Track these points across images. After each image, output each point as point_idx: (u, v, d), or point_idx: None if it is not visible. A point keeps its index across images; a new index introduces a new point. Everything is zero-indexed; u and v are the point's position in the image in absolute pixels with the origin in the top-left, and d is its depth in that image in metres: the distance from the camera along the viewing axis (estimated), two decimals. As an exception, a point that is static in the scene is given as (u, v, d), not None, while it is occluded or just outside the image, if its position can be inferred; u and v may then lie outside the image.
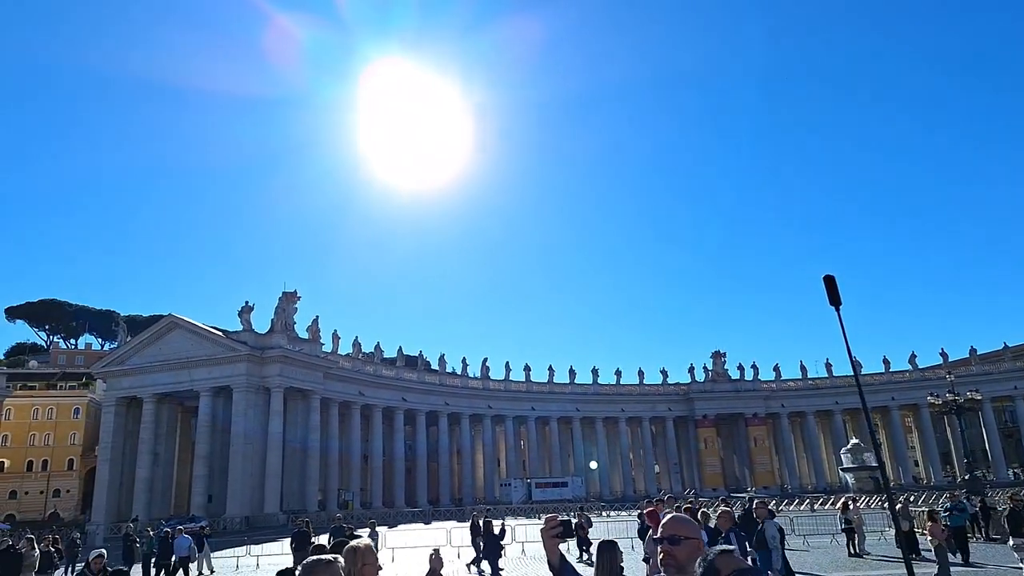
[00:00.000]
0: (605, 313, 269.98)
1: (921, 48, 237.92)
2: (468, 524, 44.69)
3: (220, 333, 69.23)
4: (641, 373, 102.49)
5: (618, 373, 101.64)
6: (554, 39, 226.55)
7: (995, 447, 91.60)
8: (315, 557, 3.66)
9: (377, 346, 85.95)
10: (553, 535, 4.12)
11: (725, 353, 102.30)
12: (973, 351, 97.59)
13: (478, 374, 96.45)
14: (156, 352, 69.77)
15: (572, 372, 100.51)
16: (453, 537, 34.67)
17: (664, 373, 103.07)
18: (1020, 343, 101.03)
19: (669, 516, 3.70)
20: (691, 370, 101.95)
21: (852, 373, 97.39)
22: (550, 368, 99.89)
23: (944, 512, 24.08)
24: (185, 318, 70.91)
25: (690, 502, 27.20)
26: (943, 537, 18.90)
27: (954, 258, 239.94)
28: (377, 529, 29.30)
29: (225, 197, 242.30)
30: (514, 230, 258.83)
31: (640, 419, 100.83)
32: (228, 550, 35.12)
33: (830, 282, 8.58)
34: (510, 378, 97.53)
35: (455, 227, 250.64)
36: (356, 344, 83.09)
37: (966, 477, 49.05)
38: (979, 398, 50.90)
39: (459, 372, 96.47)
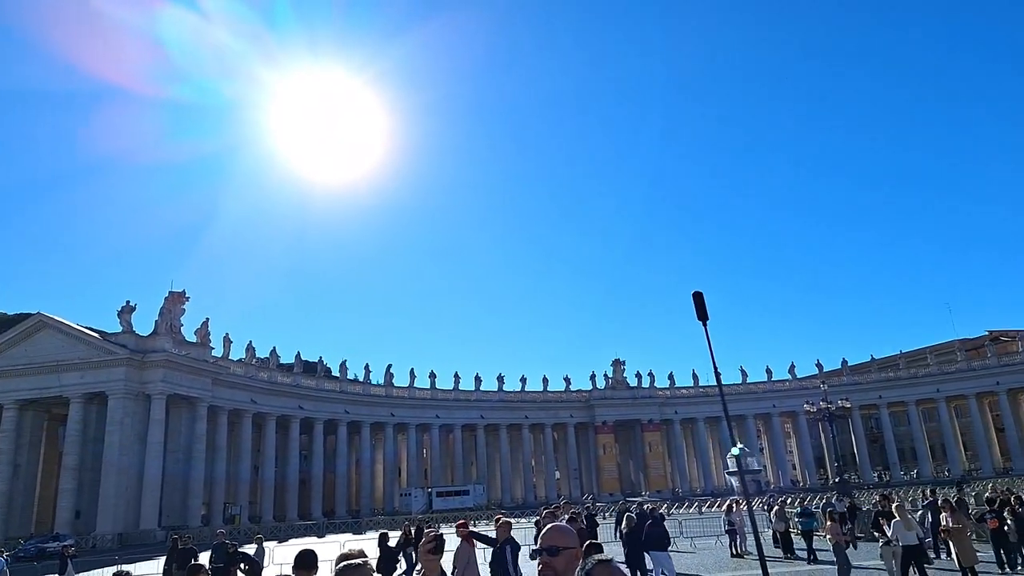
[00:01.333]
0: (513, 320, 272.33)
1: (766, 50, 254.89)
2: (365, 537, 43.92)
3: (96, 335, 64.36)
4: (545, 380, 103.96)
5: (523, 380, 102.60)
6: (477, 42, 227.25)
7: (862, 451, 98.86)
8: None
9: (273, 351, 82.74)
10: (428, 550, 4.01)
11: (625, 361, 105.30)
12: (845, 363, 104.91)
13: (381, 381, 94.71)
14: (21, 354, 64.08)
15: (478, 379, 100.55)
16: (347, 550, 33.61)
17: (567, 380, 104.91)
18: (885, 355, 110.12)
19: (548, 527, 3.70)
20: (592, 378, 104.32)
21: (741, 381, 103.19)
22: (456, 375, 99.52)
23: (798, 517, 25.42)
24: (56, 317, 65.51)
25: (574, 510, 27.66)
26: (840, 537, 19.97)
27: (829, 278, 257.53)
28: (265, 544, 27.98)
29: (112, 195, 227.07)
30: (423, 235, 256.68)
31: (543, 426, 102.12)
32: (96, 570, 32.61)
33: (698, 298, 9.01)
34: (415, 385, 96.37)
35: (364, 231, 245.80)
36: (250, 348, 79.61)
37: (836, 480, 52.51)
38: (848, 406, 54.77)
39: (361, 379, 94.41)
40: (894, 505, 20.41)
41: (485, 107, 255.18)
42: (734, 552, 28.44)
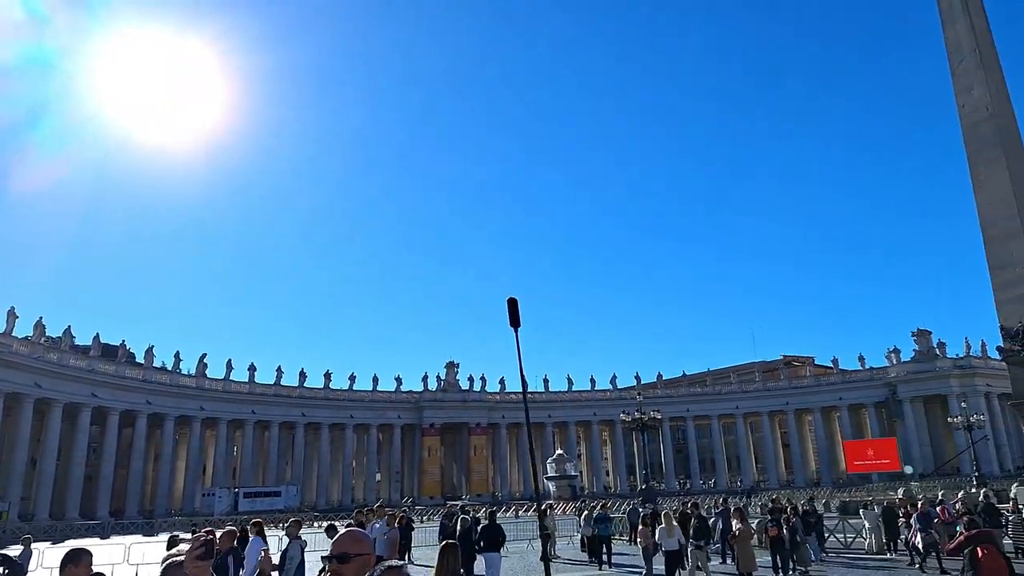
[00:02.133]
0: (349, 314, 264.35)
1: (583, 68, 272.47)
2: (155, 539, 39.75)
3: None
4: (375, 380, 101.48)
5: (352, 378, 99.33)
6: (319, 6, 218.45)
7: (668, 460, 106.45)
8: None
9: (67, 331, 73.58)
10: (197, 556, 3.81)
11: (459, 364, 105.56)
12: (660, 376, 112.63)
13: (192, 371, 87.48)
14: None
15: (303, 375, 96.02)
16: (132, 554, 30.16)
17: (398, 381, 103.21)
18: (695, 372, 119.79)
19: (341, 533, 3.69)
20: (424, 379, 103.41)
21: (567, 389, 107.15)
22: (279, 369, 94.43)
23: (596, 523, 26.25)
24: None
25: (389, 511, 26.92)
26: (649, 541, 20.56)
27: (659, 293, 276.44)
28: (34, 546, 24.27)
29: None
30: (259, 211, 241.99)
31: (368, 426, 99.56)
32: None
33: (512, 304, 8.70)
34: (231, 377, 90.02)
35: (196, 202, 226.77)
36: (39, 326, 70.11)
37: (643, 486, 55.67)
38: (659, 417, 58.33)
39: (170, 367, 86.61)
40: (662, 513, 21.87)
41: (332, 74, 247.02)
42: (545, 555, 28.83)
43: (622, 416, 58.26)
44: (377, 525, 20.91)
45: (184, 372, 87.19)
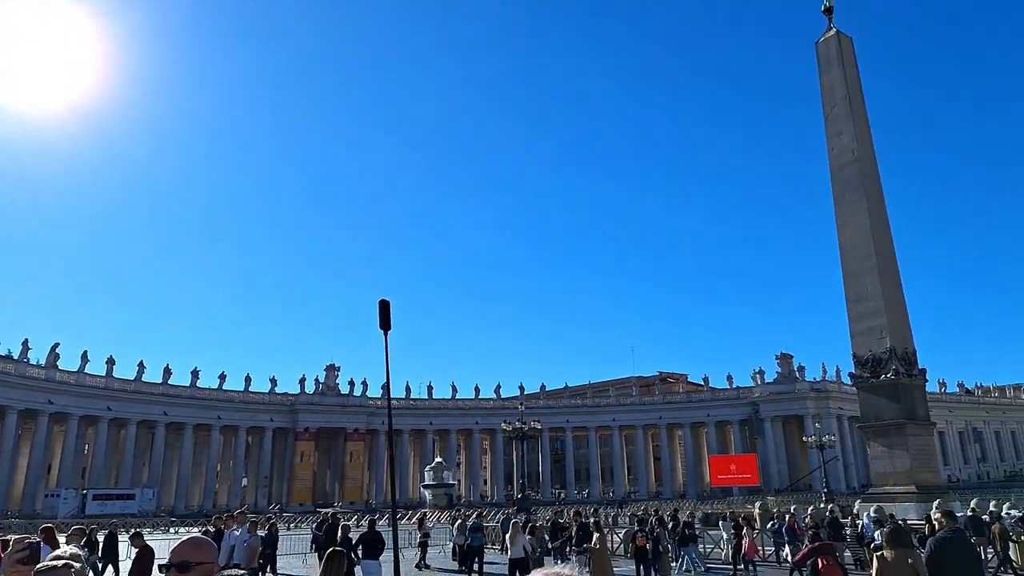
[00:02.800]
0: (227, 307, 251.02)
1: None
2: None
3: None
4: (248, 379, 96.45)
5: (222, 377, 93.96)
6: None
7: (546, 470, 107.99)
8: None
9: None
10: (18, 560, 3.71)
11: (340, 367, 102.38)
12: (543, 387, 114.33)
13: (42, 361, 79.82)
14: None
15: (167, 371, 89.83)
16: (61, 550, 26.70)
17: (273, 382, 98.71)
18: (577, 384, 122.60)
19: (182, 540, 3.48)
20: (302, 381, 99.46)
21: (451, 396, 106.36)
22: (141, 364, 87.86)
23: (469, 532, 26.00)
24: None
25: (253, 517, 25.41)
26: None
27: (546, 304, 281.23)
28: None
29: None
30: (136, 187, 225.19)
31: (237, 428, 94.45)
32: None
33: (383, 307, 8.26)
34: (86, 371, 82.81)
35: (66, 174, 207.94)
36: None
37: (519, 495, 55.99)
38: (540, 427, 59.00)
39: (16, 357, 78.60)
40: (511, 523, 22.14)
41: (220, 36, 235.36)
42: (419, 565, 28.61)
43: (503, 425, 58.43)
44: (237, 532, 19.63)
45: (33, 362, 79.45)
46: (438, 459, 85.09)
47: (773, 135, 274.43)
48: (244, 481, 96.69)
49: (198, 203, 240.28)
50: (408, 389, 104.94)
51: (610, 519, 43.27)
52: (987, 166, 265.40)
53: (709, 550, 29.36)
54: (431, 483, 77.93)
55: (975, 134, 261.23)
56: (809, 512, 34.64)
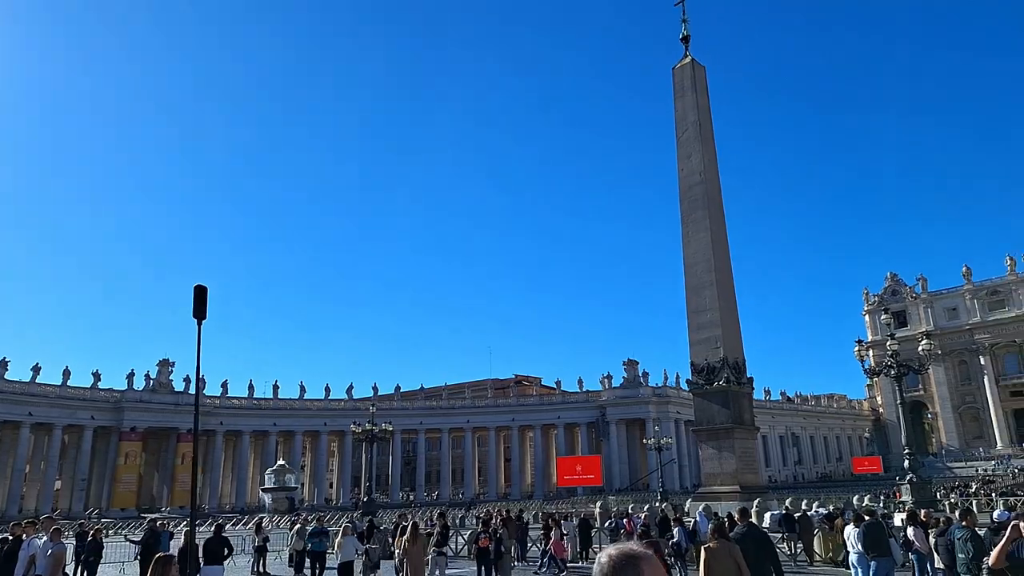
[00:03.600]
0: (31, 298, 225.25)
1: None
2: None
3: None
4: (67, 373, 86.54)
5: (35, 369, 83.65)
6: None
7: (396, 473, 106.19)
8: None
9: None
10: None
11: (174, 363, 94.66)
12: (398, 388, 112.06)
13: None
14: None
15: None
16: None
17: (96, 376, 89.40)
18: (433, 386, 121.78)
19: None
20: (130, 376, 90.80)
21: (298, 396, 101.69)
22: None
23: (311, 538, 24.86)
24: None
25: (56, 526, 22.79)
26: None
27: (401, 310, 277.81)
28: None
29: None
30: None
31: (52, 426, 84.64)
32: None
33: (199, 293, 7.41)
34: None
35: None
36: None
37: (365, 499, 54.50)
38: (391, 429, 57.80)
39: None
40: (342, 527, 21.94)
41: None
42: (257, 570, 27.14)
43: (352, 427, 56.64)
44: (38, 540, 17.45)
45: None
46: (281, 462, 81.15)
47: (634, 156, 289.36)
48: (57, 484, 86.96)
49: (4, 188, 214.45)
50: (251, 388, 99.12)
51: (456, 520, 43.18)
52: (816, 195, 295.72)
53: (549, 548, 29.85)
54: (272, 486, 74.04)
55: (812, 168, 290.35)
56: (645, 511, 36.48)
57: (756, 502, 34.29)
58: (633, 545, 2.71)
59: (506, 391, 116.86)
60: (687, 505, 39.86)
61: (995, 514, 22.12)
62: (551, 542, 24.31)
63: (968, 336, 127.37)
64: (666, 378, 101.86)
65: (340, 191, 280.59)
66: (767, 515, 31.52)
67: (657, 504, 44.31)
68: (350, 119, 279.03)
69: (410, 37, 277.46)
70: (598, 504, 46.44)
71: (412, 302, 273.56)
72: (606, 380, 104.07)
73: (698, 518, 27.60)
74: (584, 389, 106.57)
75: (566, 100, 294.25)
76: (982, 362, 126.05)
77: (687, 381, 44.20)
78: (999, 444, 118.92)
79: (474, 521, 39.58)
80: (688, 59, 46.77)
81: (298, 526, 29.04)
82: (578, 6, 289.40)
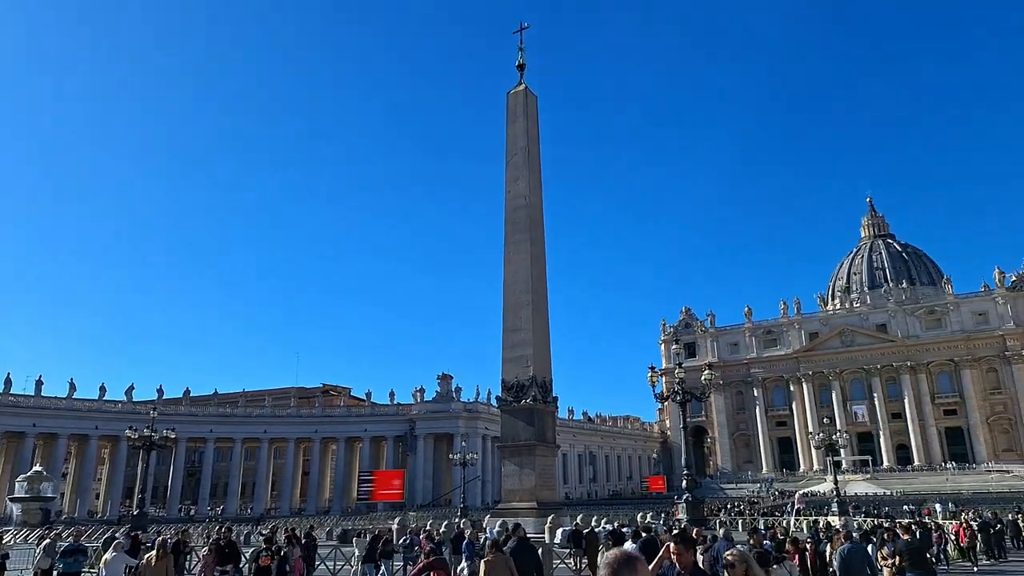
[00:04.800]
0: None
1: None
2: None
3: None
4: None
5: None
6: None
7: (177, 484, 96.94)
8: None
9: None
10: None
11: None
12: (187, 392, 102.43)
13: None
14: None
15: None
16: None
17: None
18: (230, 391, 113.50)
19: None
20: None
21: (67, 395, 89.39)
22: None
23: (62, 557, 21.52)
24: None
25: None
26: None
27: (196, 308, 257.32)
28: None
29: None
30: None
31: None
32: None
33: None
34: None
35: None
36: None
37: (135, 512, 49.29)
38: (174, 437, 52.59)
39: None
40: (114, 543, 19.91)
41: None
42: None
43: (129, 432, 50.68)
44: None
45: None
46: (38, 467, 70.83)
47: (467, 174, 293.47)
48: None
49: None
50: (9, 382, 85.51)
51: (241, 537, 40.06)
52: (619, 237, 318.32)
53: (339, 567, 28.46)
54: (23, 495, 64.30)
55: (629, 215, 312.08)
56: (443, 527, 36.08)
57: (550, 518, 35.19)
58: (628, 547, 3.15)
59: (311, 401, 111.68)
60: (485, 521, 40.05)
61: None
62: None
63: (745, 369, 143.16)
64: (478, 394, 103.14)
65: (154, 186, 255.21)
66: (559, 531, 32.38)
67: (456, 520, 44.14)
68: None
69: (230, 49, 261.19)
70: (396, 520, 45.38)
71: (211, 301, 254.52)
72: (418, 393, 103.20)
73: (490, 534, 27.68)
74: (395, 402, 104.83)
75: (405, 114, 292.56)
76: (755, 393, 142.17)
77: (497, 398, 44.74)
78: (765, 469, 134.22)
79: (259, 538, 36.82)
80: (522, 87, 47.92)
81: (47, 541, 25.06)
82: (425, 32, 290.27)
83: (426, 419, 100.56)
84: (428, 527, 35.92)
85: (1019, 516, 37.88)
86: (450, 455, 77.61)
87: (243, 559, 25.80)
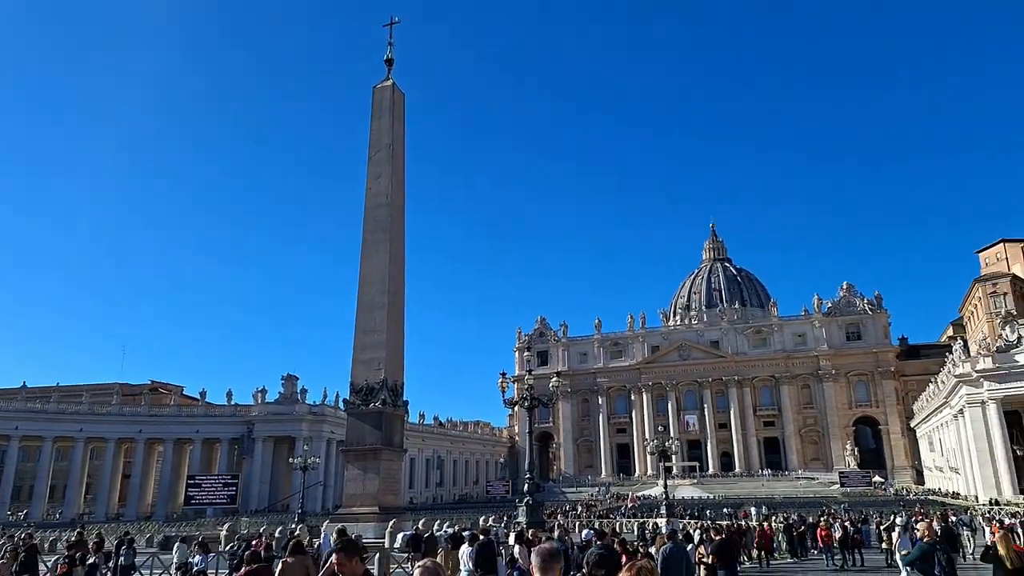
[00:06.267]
0: None
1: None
2: None
3: None
4: None
5: None
6: None
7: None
8: None
9: None
10: None
11: None
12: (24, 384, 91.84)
13: None
14: None
15: None
16: None
17: None
18: (40, 385, 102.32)
19: None
20: None
21: None
22: None
23: None
24: None
25: None
26: None
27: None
28: None
29: None
30: None
31: None
32: None
33: None
34: None
35: None
36: None
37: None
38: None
39: None
40: None
41: None
42: None
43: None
44: None
45: None
46: None
47: (328, 171, 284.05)
48: None
49: None
50: None
51: (45, 545, 36.09)
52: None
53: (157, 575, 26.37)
54: None
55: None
56: (276, 533, 34.46)
57: (391, 523, 34.72)
58: (556, 543, 3.22)
59: (137, 398, 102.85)
60: (323, 526, 38.71)
61: (583, 534, 25.28)
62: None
63: (592, 378, 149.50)
64: (325, 396, 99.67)
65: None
66: (399, 536, 31.99)
67: (293, 526, 42.32)
68: None
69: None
70: (225, 526, 42.75)
71: (29, 287, 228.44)
72: (260, 394, 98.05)
73: (325, 540, 26.85)
74: (233, 402, 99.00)
75: (267, 105, 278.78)
76: (600, 401, 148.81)
77: (344, 401, 43.35)
78: (604, 473, 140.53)
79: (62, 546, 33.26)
80: (390, 82, 47.11)
81: None
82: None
83: (267, 421, 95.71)
84: (261, 533, 34.19)
85: (820, 519, 42.18)
86: (290, 459, 74.38)
87: (44, 568, 23.19)
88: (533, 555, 5.02)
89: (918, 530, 21.23)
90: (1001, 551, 13.12)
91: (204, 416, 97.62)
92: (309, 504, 72.12)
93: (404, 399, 42.37)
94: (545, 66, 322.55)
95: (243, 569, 13.30)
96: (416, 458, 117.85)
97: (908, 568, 15.00)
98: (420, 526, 32.32)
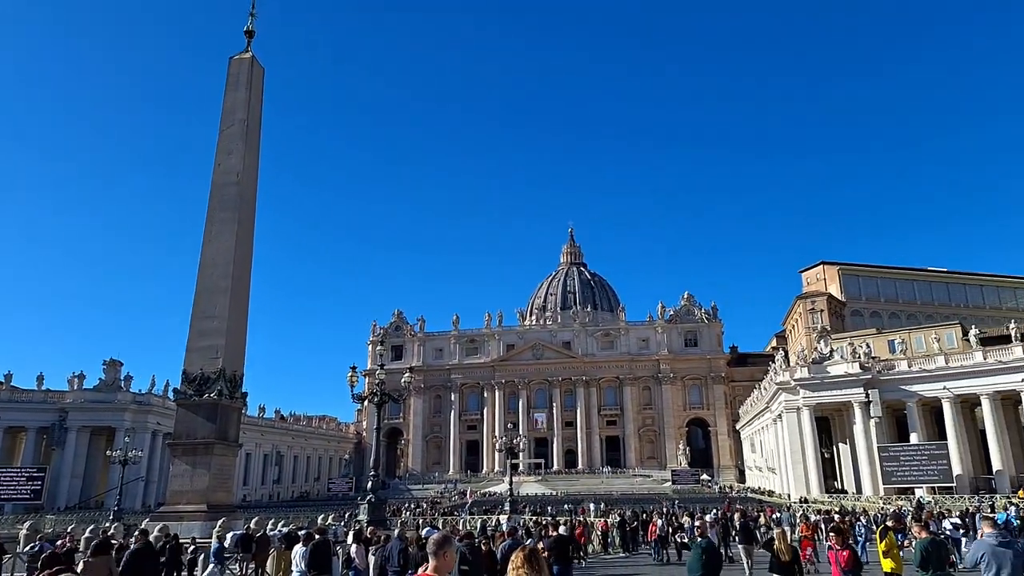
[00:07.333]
0: None
1: None
2: None
3: None
4: None
5: None
6: None
7: None
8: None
9: None
10: None
11: None
12: None
13: None
14: None
15: None
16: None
17: None
18: None
19: None
20: None
21: None
22: None
23: None
24: None
25: None
26: None
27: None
28: None
29: None
30: None
31: None
32: None
33: None
34: None
35: None
36: None
37: None
38: None
39: None
40: None
41: None
42: None
43: None
44: None
45: None
46: None
47: (173, 142, 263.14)
48: None
49: None
50: None
51: None
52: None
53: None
54: None
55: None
56: (87, 532, 31.22)
57: (221, 521, 32.46)
58: (449, 531, 3.56)
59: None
60: (143, 524, 35.60)
61: (423, 532, 24.99)
62: None
63: (447, 374, 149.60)
64: (153, 384, 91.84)
65: None
66: (229, 535, 30.04)
67: (108, 524, 38.56)
68: None
69: None
70: (26, 525, 38.16)
71: None
72: (76, 380, 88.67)
73: (153, 535, 24.60)
74: (44, 388, 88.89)
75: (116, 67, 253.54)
76: (452, 398, 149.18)
77: (175, 390, 40.07)
78: (452, 470, 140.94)
79: None
80: (249, 54, 44.19)
81: None
82: None
83: (83, 410, 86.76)
84: (68, 532, 30.84)
85: (650, 515, 44.64)
86: (109, 451, 67.94)
87: None
88: (429, 542, 5.59)
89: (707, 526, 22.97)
90: (777, 544, 15.22)
91: (7, 402, 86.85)
92: (128, 501, 66.39)
93: (243, 391, 39.95)
94: (407, 64, 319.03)
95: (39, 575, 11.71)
96: (253, 453, 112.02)
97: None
98: (252, 525, 30.57)
